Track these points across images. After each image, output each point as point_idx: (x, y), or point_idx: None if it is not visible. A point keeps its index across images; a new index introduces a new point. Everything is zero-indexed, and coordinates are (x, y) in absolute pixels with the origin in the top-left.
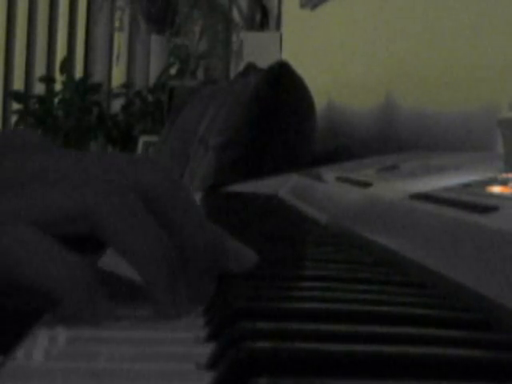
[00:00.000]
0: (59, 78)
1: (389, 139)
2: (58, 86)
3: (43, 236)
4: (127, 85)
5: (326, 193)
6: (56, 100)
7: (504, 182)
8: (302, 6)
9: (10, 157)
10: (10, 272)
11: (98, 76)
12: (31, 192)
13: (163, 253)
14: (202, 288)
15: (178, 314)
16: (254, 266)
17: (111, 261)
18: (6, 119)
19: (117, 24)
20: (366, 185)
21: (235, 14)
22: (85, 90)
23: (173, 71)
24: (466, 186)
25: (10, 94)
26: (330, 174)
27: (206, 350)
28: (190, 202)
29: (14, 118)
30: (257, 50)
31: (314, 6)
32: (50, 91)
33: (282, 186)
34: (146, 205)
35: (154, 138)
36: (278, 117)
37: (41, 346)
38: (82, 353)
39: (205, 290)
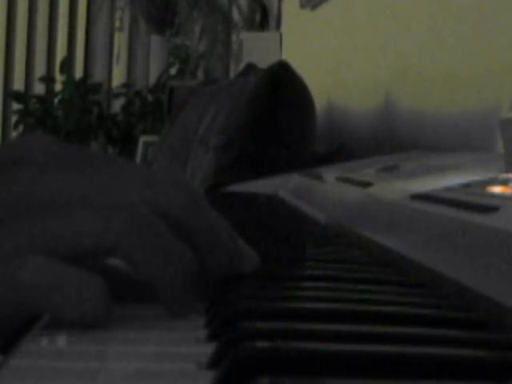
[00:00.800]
0: (59, 77)
1: (389, 139)
2: (58, 86)
3: (63, 265)
4: (127, 85)
5: (325, 193)
6: (56, 100)
7: (504, 182)
8: (302, 6)
9: (28, 174)
10: (26, 304)
11: (98, 76)
12: (55, 221)
13: (187, 271)
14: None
15: (186, 315)
16: (256, 266)
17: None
18: (6, 119)
19: (117, 24)
20: (366, 185)
21: (235, 14)
22: (85, 90)
23: (173, 71)
24: (466, 186)
25: (10, 94)
26: (330, 173)
27: (207, 350)
28: (211, 216)
29: (14, 118)
30: (257, 50)
31: (314, 6)
32: (50, 91)
33: (282, 186)
34: (167, 224)
35: (154, 138)
36: (278, 117)
37: (41, 346)
38: (82, 352)
39: (209, 289)
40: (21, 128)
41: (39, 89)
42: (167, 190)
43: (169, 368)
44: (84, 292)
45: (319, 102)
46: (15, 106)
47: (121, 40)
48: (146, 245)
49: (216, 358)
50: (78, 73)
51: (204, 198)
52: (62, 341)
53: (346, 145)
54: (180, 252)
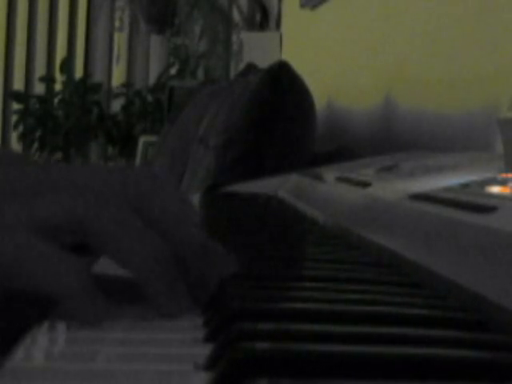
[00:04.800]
0: (59, 77)
1: (389, 139)
2: (58, 86)
3: (42, 241)
4: (127, 85)
5: (325, 193)
6: (56, 100)
7: (503, 182)
8: (302, 6)
9: (4, 169)
10: (9, 277)
11: (98, 76)
12: (29, 203)
13: (159, 255)
14: (200, 289)
15: (178, 312)
16: (234, 271)
17: (108, 262)
18: (6, 119)
19: (117, 24)
20: (365, 185)
21: (235, 14)
22: (85, 90)
23: (173, 71)
24: (466, 186)
25: (10, 94)
26: (329, 173)
27: (204, 351)
28: (180, 208)
29: (14, 118)
30: (257, 50)
31: (314, 6)
32: (50, 91)
33: (282, 186)
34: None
35: (153, 138)
36: (277, 117)
37: (41, 346)
38: (81, 353)
39: (203, 292)
40: (21, 128)
41: (39, 89)
42: (137, 184)
43: (166, 369)
44: (58, 266)
45: (319, 101)
46: (15, 106)
47: (121, 40)
48: (112, 220)
49: (213, 358)
50: (78, 73)
51: (184, 197)
52: (61, 341)
53: (345, 145)
54: (150, 237)
